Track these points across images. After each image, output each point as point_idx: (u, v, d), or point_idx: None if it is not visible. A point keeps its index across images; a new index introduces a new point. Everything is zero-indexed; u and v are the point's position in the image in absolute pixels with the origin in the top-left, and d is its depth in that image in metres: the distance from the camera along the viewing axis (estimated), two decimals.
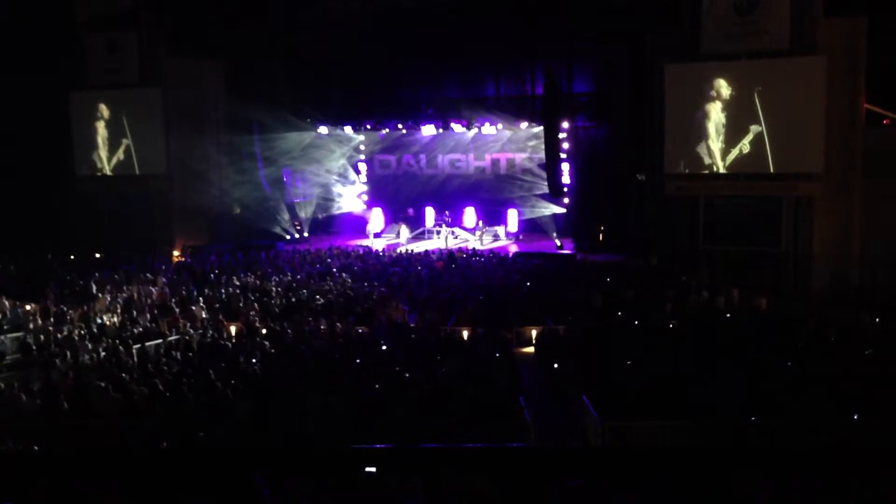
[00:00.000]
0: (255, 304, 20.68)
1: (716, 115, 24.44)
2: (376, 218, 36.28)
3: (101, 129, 31.62)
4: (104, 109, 31.44)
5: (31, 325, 18.66)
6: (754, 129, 23.86)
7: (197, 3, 30.29)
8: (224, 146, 32.17)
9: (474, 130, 34.11)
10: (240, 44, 30.31)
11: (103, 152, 31.73)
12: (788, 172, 23.79)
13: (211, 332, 17.95)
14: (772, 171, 23.76)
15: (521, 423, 11.17)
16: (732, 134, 24.28)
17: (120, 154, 31.56)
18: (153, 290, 22.55)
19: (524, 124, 33.10)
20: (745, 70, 23.98)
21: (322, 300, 20.98)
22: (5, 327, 18.52)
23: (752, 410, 10.55)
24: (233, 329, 18.67)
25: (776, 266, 24.20)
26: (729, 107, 24.25)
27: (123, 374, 13.68)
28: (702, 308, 20.02)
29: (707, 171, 24.75)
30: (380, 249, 30.70)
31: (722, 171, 24.54)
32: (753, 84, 23.85)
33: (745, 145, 23.98)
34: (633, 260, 27.11)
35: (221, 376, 13.28)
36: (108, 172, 31.77)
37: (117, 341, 16.71)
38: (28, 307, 20.14)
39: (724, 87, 24.32)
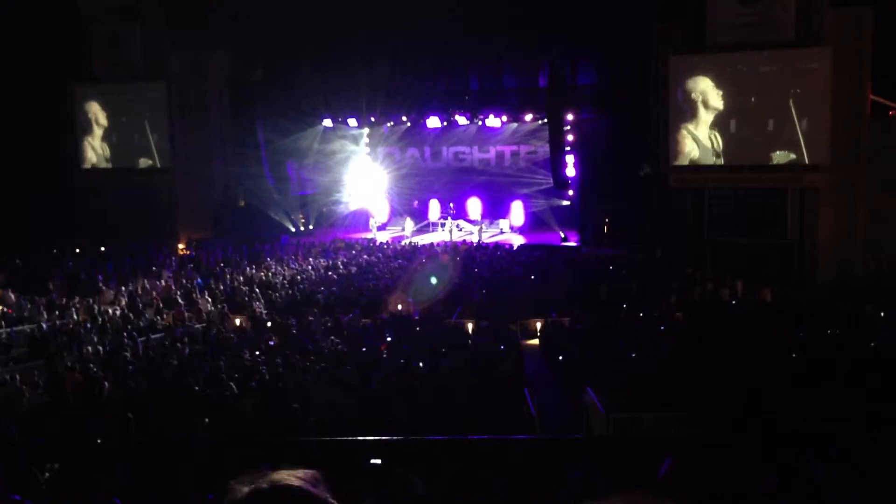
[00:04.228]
0: (260, 297, 20.70)
1: (720, 105, 24.37)
2: (381, 211, 36.27)
3: (105, 123, 31.63)
4: (108, 102, 31.45)
5: (37, 318, 18.69)
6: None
7: None
8: (228, 139, 32.14)
9: (479, 123, 34.06)
10: (243, 36, 30.27)
11: (107, 145, 31.76)
12: (793, 163, 23.73)
13: (216, 324, 17.97)
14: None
15: (526, 414, 11.17)
16: (739, 124, 24.23)
17: (124, 147, 31.58)
18: (158, 283, 22.58)
19: (528, 117, 33.03)
20: (750, 61, 23.89)
21: (327, 292, 21.00)
22: (12, 320, 18.55)
23: (757, 401, 10.53)
24: (238, 322, 18.69)
25: (781, 257, 24.17)
26: (733, 97, 24.18)
27: (129, 367, 13.71)
28: (707, 300, 20.01)
29: (712, 163, 24.69)
30: (384, 242, 30.71)
31: (729, 161, 24.52)
32: (759, 75, 23.77)
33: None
34: (638, 252, 27.06)
35: (227, 369, 13.30)
36: (113, 165, 31.78)
37: (123, 334, 16.75)
38: (34, 300, 20.17)
39: (728, 79, 24.26)
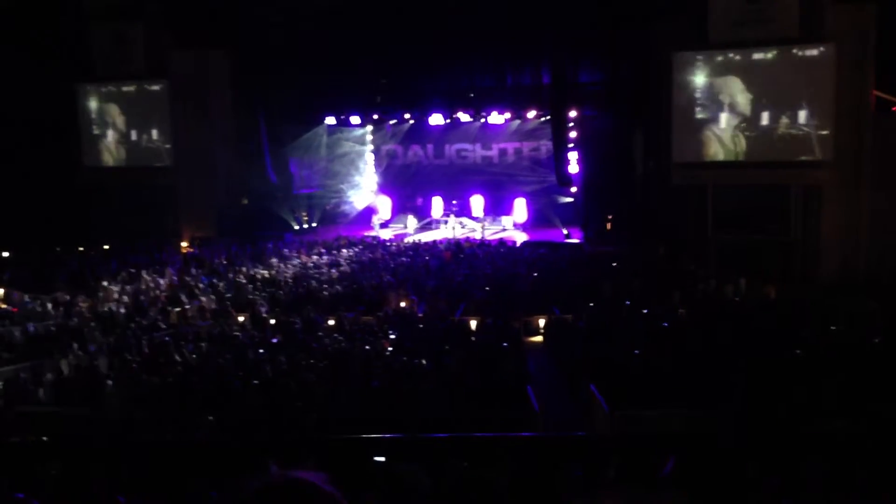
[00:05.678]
0: (264, 295, 20.72)
1: (723, 102, 24.35)
2: (384, 208, 36.31)
3: (108, 122, 31.66)
4: (110, 102, 31.49)
5: (42, 317, 18.72)
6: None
7: None
8: (230, 137, 32.14)
9: (481, 120, 34.06)
10: (246, 34, 30.24)
11: (110, 144, 31.80)
12: (797, 160, 23.70)
13: (220, 322, 17.99)
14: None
15: (530, 412, 11.18)
16: (741, 121, 24.21)
17: (126, 146, 31.61)
18: (162, 281, 22.61)
19: (531, 114, 33.02)
20: (753, 58, 23.87)
21: (330, 290, 21.02)
22: (16, 319, 18.58)
23: (761, 398, 10.54)
24: (241, 319, 18.71)
25: (784, 254, 24.14)
26: (736, 94, 24.16)
27: (133, 365, 13.74)
28: (710, 296, 20.00)
29: (715, 160, 24.68)
30: (387, 239, 30.74)
31: (732, 158, 24.51)
32: (762, 72, 23.76)
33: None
34: (642, 249, 27.03)
35: (231, 367, 13.32)
36: (115, 164, 31.82)
37: (127, 332, 16.77)
38: (38, 298, 20.20)
39: (731, 75, 24.23)
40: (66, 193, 30.65)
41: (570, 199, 33.17)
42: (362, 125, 36.00)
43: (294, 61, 30.88)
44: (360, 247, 28.74)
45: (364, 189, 37.43)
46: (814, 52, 23.11)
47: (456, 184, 35.53)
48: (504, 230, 33.65)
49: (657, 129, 26.53)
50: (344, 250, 27.79)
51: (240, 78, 31.77)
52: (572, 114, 29.86)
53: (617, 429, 10.38)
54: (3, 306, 19.81)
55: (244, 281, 22.33)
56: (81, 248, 29.11)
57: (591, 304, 18.81)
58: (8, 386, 12.78)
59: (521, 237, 31.83)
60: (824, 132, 23.15)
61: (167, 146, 31.06)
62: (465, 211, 34.45)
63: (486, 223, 33.08)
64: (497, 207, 34.78)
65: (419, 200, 35.86)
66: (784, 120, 23.60)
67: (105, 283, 22.02)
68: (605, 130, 31.17)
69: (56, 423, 11.04)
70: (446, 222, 33.56)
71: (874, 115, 23.47)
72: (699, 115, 24.73)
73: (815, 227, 23.82)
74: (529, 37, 30.88)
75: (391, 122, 35.57)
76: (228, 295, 21.13)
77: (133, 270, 23.90)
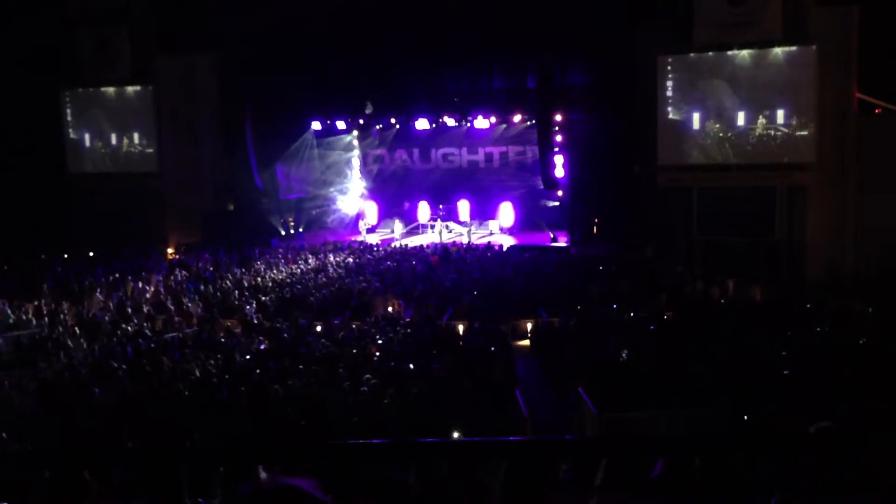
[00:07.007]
0: (251, 301, 20.63)
1: (709, 105, 24.45)
2: (370, 213, 36.26)
3: (93, 127, 31.49)
4: (96, 107, 31.31)
5: (26, 324, 18.58)
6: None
7: None
8: (217, 143, 32.01)
9: (467, 124, 34.03)
10: (232, 39, 30.15)
11: (95, 150, 31.62)
12: (781, 162, 23.82)
13: (206, 329, 17.89)
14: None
15: (518, 416, 11.16)
16: (727, 124, 24.31)
17: (112, 152, 31.45)
18: (148, 287, 22.49)
19: (517, 118, 33.00)
20: (737, 60, 23.98)
21: (317, 295, 20.95)
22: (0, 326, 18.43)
23: (748, 399, 10.56)
24: (228, 325, 18.62)
25: (770, 255, 24.24)
26: (722, 97, 24.26)
27: (119, 373, 13.64)
28: (697, 298, 20.05)
29: (700, 163, 24.77)
30: (374, 244, 30.70)
31: (718, 161, 24.61)
32: (746, 74, 23.87)
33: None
34: (628, 251, 27.07)
35: (218, 373, 13.25)
36: (100, 170, 31.63)
37: (113, 339, 16.65)
38: (23, 306, 20.04)
39: (716, 78, 24.33)
40: (52, 199, 30.46)
41: (556, 203, 33.19)
42: (348, 130, 35.92)
43: (280, 66, 30.78)
44: (347, 252, 28.68)
45: (351, 194, 37.35)
46: (797, 54, 23.25)
47: (442, 188, 35.49)
48: (491, 234, 33.65)
49: (643, 132, 26.59)
50: (331, 255, 27.72)
51: (226, 82, 31.65)
52: (558, 117, 29.89)
53: (606, 431, 10.38)
54: None
55: (231, 287, 22.23)
56: (66, 255, 28.91)
57: (579, 307, 18.83)
58: None
59: (507, 241, 31.82)
60: (808, 134, 23.30)
61: (153, 152, 30.92)
62: (451, 215, 34.42)
63: (472, 227, 33.06)
64: (483, 211, 34.78)
65: (406, 205, 35.84)
66: (768, 122, 23.73)
67: (90, 291, 21.88)
68: (590, 133, 31.19)
69: (41, 432, 10.94)
70: (433, 227, 33.52)
71: (858, 117, 23.64)
72: (684, 118, 24.82)
73: (801, 229, 23.95)
74: (515, 40, 30.88)
75: (377, 126, 35.50)
76: (215, 301, 21.04)
77: (119, 277, 23.76)
